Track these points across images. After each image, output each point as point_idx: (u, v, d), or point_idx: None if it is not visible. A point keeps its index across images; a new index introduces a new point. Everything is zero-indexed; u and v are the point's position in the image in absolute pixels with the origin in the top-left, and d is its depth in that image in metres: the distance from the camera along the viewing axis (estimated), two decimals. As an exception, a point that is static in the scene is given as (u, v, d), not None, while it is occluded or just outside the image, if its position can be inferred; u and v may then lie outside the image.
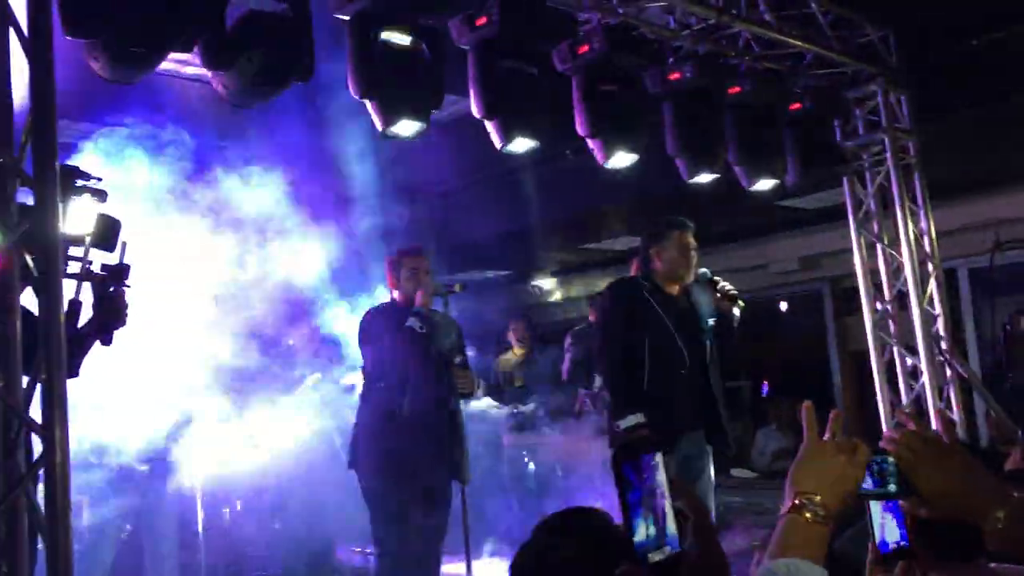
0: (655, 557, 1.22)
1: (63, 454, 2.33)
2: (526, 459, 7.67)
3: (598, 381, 7.85)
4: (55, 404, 2.31)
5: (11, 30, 2.42)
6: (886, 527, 1.37)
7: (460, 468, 4.57)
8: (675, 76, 4.71)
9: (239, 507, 6.46)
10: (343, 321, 6.39)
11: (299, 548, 6.12)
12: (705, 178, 4.99)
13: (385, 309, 4.70)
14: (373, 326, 4.60)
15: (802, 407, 1.38)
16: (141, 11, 2.69)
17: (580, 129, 4.40)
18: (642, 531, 1.22)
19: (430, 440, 4.47)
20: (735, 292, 4.57)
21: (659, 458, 1.26)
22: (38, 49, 2.38)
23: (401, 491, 4.43)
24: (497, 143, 4.16)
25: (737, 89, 4.99)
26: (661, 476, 1.25)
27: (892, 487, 1.35)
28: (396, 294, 4.65)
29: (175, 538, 5.48)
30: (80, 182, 2.65)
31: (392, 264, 4.65)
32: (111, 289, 2.77)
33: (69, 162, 2.94)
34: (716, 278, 4.56)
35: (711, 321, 4.53)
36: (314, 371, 6.56)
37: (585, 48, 4.33)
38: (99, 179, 2.73)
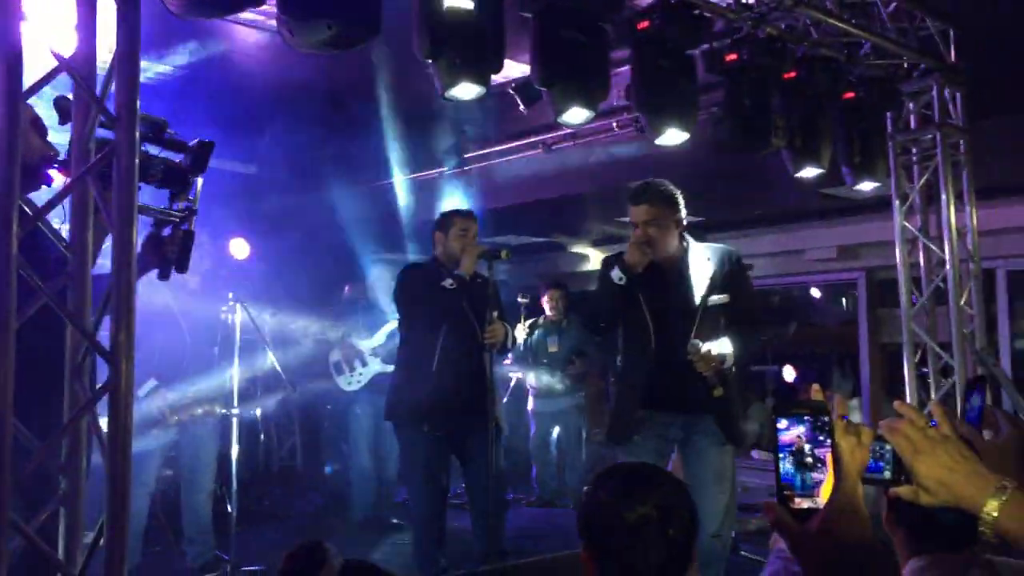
0: (802, 503, 1.30)
1: (127, 381, 2.43)
2: (551, 425, 7.81)
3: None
4: (122, 332, 2.41)
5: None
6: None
7: (494, 416, 4.48)
8: (731, 57, 4.72)
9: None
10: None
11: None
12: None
13: (424, 266, 4.82)
14: (410, 282, 4.72)
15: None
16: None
17: (633, 104, 4.45)
18: (788, 474, 1.31)
19: (460, 393, 4.57)
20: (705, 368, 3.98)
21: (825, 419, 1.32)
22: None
23: (432, 440, 4.59)
24: (552, 113, 4.24)
25: (792, 74, 4.98)
26: (821, 436, 1.32)
27: (887, 473, 1.43)
28: (439, 251, 4.73)
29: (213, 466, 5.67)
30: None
31: (442, 223, 4.74)
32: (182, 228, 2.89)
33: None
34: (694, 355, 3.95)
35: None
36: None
37: (645, 24, 4.36)
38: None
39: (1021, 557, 1.35)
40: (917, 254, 6.05)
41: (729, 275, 4.15)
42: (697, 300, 4.08)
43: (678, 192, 4.15)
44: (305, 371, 6.62)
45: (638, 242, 3.99)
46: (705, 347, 3.93)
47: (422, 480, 4.67)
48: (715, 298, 4.09)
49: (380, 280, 7.11)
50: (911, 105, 5.94)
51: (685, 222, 4.19)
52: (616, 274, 4.01)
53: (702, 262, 4.15)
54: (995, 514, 1.32)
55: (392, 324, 6.77)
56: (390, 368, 6.66)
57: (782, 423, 1.32)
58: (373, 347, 6.83)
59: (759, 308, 4.26)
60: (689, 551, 1.83)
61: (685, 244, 4.19)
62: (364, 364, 6.83)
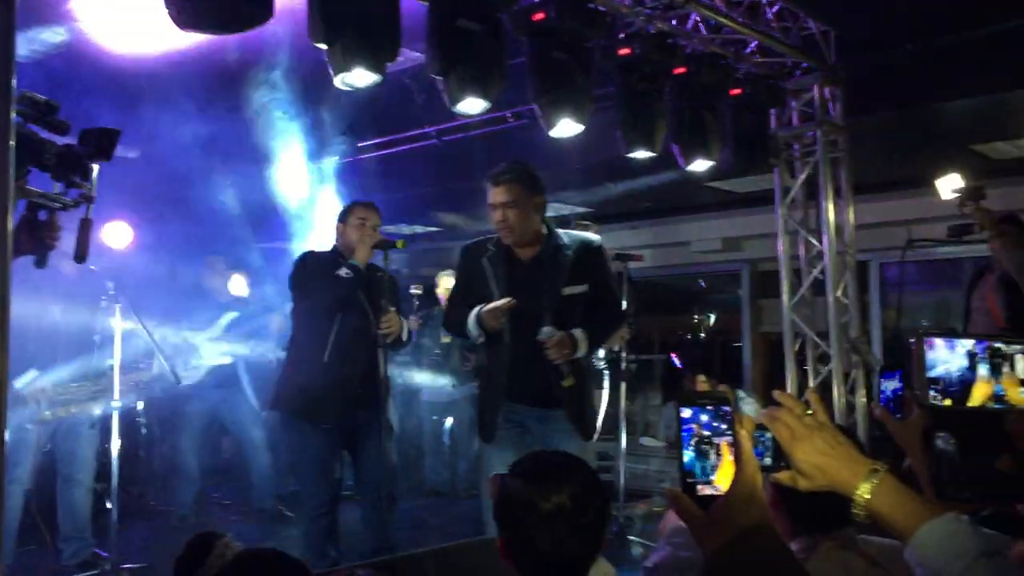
0: (704, 490, 1.33)
1: (1, 375, 2.31)
2: (443, 416, 7.80)
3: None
4: (-4, 324, 2.29)
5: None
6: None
7: (384, 409, 4.47)
8: (625, 52, 4.80)
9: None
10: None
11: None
12: (642, 154, 5.11)
13: (322, 254, 4.72)
14: (306, 269, 4.60)
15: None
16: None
17: (529, 95, 4.46)
18: (691, 462, 1.33)
19: (352, 385, 4.48)
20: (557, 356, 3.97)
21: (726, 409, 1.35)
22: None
23: (322, 432, 4.50)
24: (448, 103, 4.21)
25: (682, 70, 5.11)
26: (722, 425, 1.35)
27: (768, 460, 1.50)
28: (339, 242, 4.66)
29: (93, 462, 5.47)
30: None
31: (343, 212, 4.67)
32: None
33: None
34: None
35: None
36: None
37: (541, 15, 4.38)
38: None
39: (890, 536, 1.43)
40: (798, 246, 6.29)
41: (588, 264, 4.09)
42: (554, 291, 4.02)
43: (539, 175, 4.09)
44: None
45: (497, 308, 3.92)
46: (558, 335, 3.92)
47: (313, 473, 4.56)
48: (572, 288, 4.04)
49: (212, 269, 6.94)
50: (793, 103, 6.17)
51: (547, 205, 4.15)
52: (474, 332, 4.03)
53: (561, 251, 4.07)
54: (868, 496, 1.39)
55: (231, 315, 6.62)
56: (228, 360, 6.55)
57: (686, 412, 1.36)
58: (208, 339, 6.62)
59: (618, 297, 4.29)
60: (600, 538, 1.88)
61: (545, 230, 4.13)
62: (199, 357, 6.61)
